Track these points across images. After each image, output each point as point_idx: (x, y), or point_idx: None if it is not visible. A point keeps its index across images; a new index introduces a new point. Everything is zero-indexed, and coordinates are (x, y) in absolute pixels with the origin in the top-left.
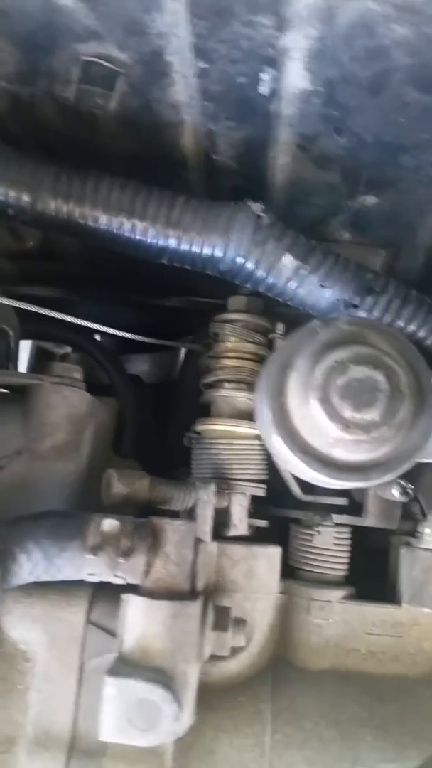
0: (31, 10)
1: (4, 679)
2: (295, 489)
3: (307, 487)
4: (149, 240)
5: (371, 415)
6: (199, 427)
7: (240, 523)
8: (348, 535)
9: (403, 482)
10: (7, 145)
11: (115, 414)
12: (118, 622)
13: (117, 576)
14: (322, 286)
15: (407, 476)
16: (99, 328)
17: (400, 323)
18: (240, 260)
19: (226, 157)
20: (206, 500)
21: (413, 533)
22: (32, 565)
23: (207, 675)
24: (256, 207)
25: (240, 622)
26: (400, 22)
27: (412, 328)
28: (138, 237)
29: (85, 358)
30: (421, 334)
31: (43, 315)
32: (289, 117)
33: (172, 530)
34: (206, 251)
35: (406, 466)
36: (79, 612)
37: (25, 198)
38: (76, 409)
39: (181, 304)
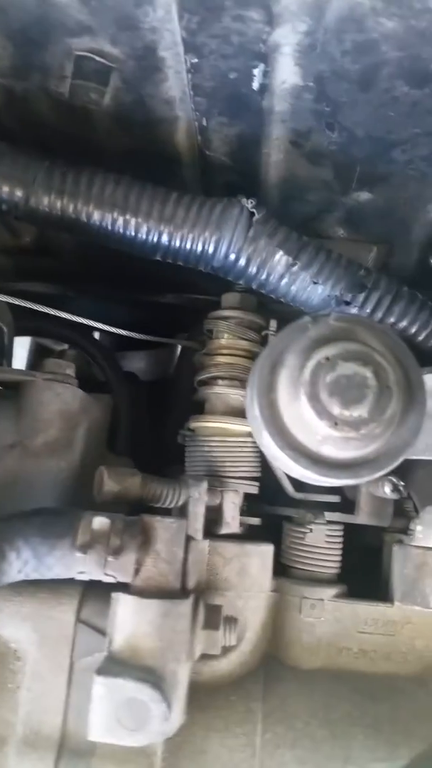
0: (25, 4)
1: None
2: (287, 486)
3: (299, 484)
4: (142, 236)
5: (360, 411)
6: (193, 425)
7: (232, 520)
8: (340, 533)
9: (394, 479)
10: (0, 140)
11: (109, 411)
12: (108, 620)
13: (107, 574)
14: (314, 283)
15: (399, 473)
16: (94, 325)
17: (392, 319)
18: (232, 256)
19: (220, 153)
20: (198, 498)
21: (405, 531)
22: (22, 563)
23: (198, 674)
24: (249, 203)
25: (231, 621)
26: (388, 15)
27: (403, 324)
28: (131, 233)
29: (80, 354)
30: (413, 330)
31: (39, 311)
32: (281, 113)
33: (163, 528)
34: (199, 247)
35: (395, 463)
36: (69, 611)
37: (18, 193)
38: (68, 405)
39: (176, 301)
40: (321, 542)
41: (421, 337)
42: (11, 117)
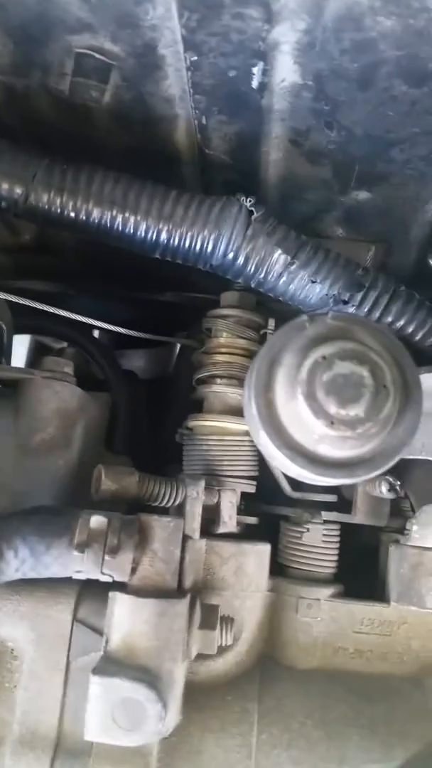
0: (25, 1)
1: None
2: (285, 486)
3: (296, 483)
4: (141, 234)
5: (356, 411)
6: (191, 423)
7: (229, 520)
8: (337, 533)
9: (391, 479)
10: (0, 137)
11: (107, 409)
12: (104, 620)
13: (104, 573)
14: (312, 282)
15: (395, 473)
16: (94, 323)
17: (389, 319)
18: (231, 255)
19: (219, 152)
20: (195, 497)
21: (402, 530)
22: (19, 562)
23: (194, 674)
24: (248, 202)
25: (228, 621)
26: (387, 14)
27: (400, 323)
28: (130, 231)
29: (79, 353)
30: (410, 329)
31: (38, 309)
32: (281, 111)
33: (160, 527)
34: (198, 245)
35: (391, 463)
36: (66, 610)
37: (18, 190)
38: (66, 403)
39: (175, 299)
40: (318, 542)
41: (417, 337)
42: (11, 114)
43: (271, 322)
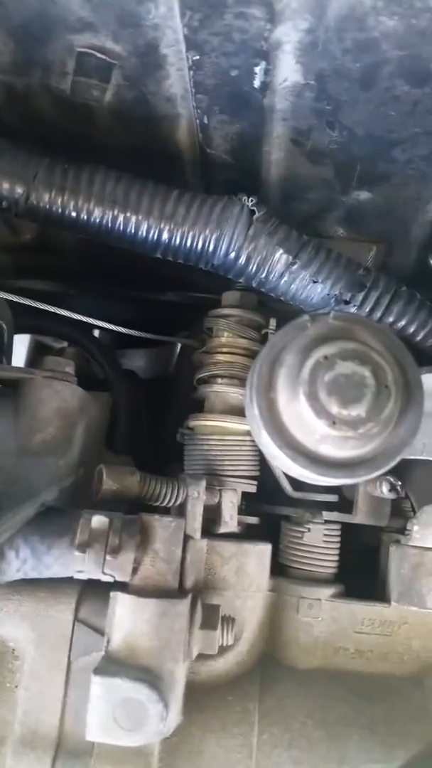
0: (26, 0)
1: None
2: (286, 485)
3: (297, 483)
4: (143, 233)
5: (358, 411)
6: (192, 423)
7: (230, 520)
8: (338, 533)
9: (392, 479)
10: (1, 137)
11: (108, 409)
12: (106, 620)
13: (105, 573)
14: (314, 281)
15: (396, 473)
16: (95, 323)
17: (390, 319)
18: (232, 255)
19: (221, 151)
20: (196, 497)
21: (403, 531)
22: (20, 562)
23: (195, 674)
24: (249, 201)
25: (229, 620)
26: (389, 14)
27: (401, 323)
28: (131, 230)
29: (79, 352)
30: (411, 329)
31: (39, 309)
32: (282, 111)
33: (161, 527)
34: (199, 245)
35: (393, 463)
36: (68, 610)
37: (19, 190)
38: (67, 403)
39: (176, 299)
40: (319, 542)
41: (419, 337)
42: (12, 113)
43: (273, 322)
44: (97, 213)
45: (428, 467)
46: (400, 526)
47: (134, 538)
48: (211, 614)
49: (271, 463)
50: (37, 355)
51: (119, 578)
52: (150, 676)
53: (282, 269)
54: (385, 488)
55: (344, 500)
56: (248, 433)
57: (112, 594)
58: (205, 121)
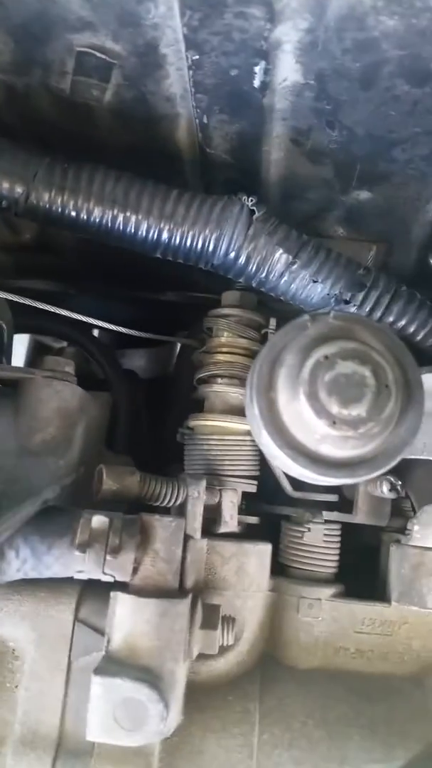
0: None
1: None
2: (286, 485)
3: (297, 483)
4: (143, 233)
5: (358, 410)
6: (192, 423)
7: (231, 519)
8: (338, 533)
9: (392, 479)
10: (1, 136)
11: (108, 409)
12: (106, 620)
13: (105, 573)
14: (314, 281)
15: (397, 473)
16: (94, 323)
17: (390, 318)
18: (232, 254)
19: (220, 151)
20: (196, 496)
21: (403, 530)
22: (20, 562)
23: (195, 674)
24: (249, 201)
25: (229, 620)
26: (389, 13)
27: (401, 323)
28: (131, 230)
29: (79, 352)
30: (411, 329)
31: (39, 308)
32: (282, 110)
33: (162, 527)
34: (199, 245)
35: (393, 463)
36: (68, 610)
37: (19, 189)
38: (67, 403)
39: (176, 299)
40: (319, 541)
41: (419, 337)
42: (12, 113)
43: (273, 322)
44: (96, 212)
45: (428, 467)
46: (401, 526)
47: (134, 538)
48: (211, 614)
49: (271, 463)
50: (36, 354)
51: (119, 578)
52: (150, 676)
53: (282, 269)
54: (385, 488)
55: (344, 500)
56: (248, 433)
57: (112, 594)
58: (205, 120)
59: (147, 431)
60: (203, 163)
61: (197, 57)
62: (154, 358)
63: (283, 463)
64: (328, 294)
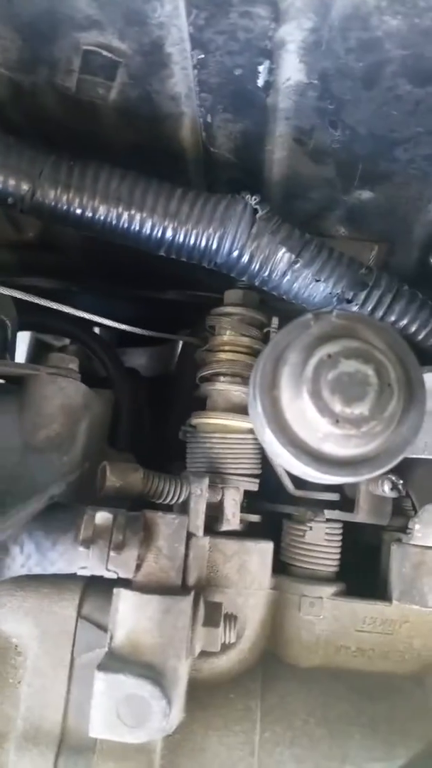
0: None
1: None
2: (288, 484)
3: (299, 482)
4: (147, 231)
5: (361, 409)
6: (194, 421)
7: (233, 517)
8: (339, 531)
9: (393, 478)
10: (6, 134)
11: (111, 406)
12: (109, 616)
13: (109, 570)
14: (316, 280)
15: (398, 472)
16: (97, 320)
17: (392, 318)
18: (235, 253)
19: (224, 150)
20: (199, 494)
21: (404, 529)
22: (24, 557)
23: (197, 671)
24: (253, 200)
25: (231, 618)
26: (393, 13)
27: (403, 322)
28: (136, 228)
29: (81, 349)
30: (412, 329)
31: (42, 306)
32: (285, 110)
33: (165, 524)
34: (202, 243)
35: (395, 461)
36: (71, 606)
37: (24, 187)
38: (71, 400)
39: (178, 297)
40: (320, 540)
41: (420, 336)
42: (18, 111)
43: (275, 321)
44: (101, 210)
45: (429, 466)
46: (402, 525)
47: (138, 535)
48: (213, 612)
49: (273, 462)
50: (37, 352)
51: (123, 575)
52: (153, 673)
53: (285, 268)
54: (386, 487)
55: (346, 499)
56: (250, 431)
57: (115, 590)
58: (209, 119)
59: (149, 429)
60: (207, 161)
61: (202, 56)
62: (155, 357)
63: (286, 462)
64: (330, 293)
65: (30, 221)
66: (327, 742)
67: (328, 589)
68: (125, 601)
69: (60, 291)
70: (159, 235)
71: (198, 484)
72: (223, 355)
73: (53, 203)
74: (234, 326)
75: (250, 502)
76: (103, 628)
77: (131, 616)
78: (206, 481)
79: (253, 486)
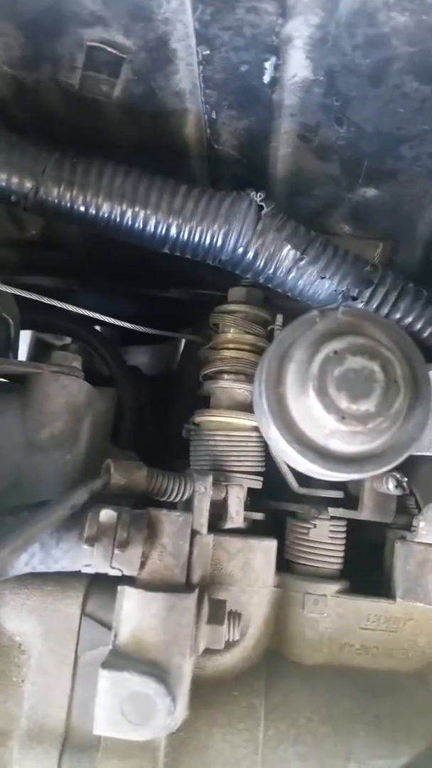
0: None
1: (0, 672)
2: (291, 481)
3: (303, 479)
4: (151, 228)
5: (367, 406)
6: (198, 419)
7: (236, 515)
8: (343, 529)
9: (398, 475)
10: (9, 131)
11: (113, 404)
12: (113, 614)
13: (113, 567)
14: (321, 278)
15: (402, 469)
16: (100, 318)
17: (397, 315)
18: (240, 250)
19: (228, 147)
20: (203, 492)
21: (408, 527)
22: (29, 555)
23: (201, 669)
24: (258, 197)
25: (235, 616)
26: (400, 10)
27: (408, 320)
28: (140, 225)
29: (82, 348)
30: (418, 326)
31: (44, 304)
32: (291, 107)
33: (169, 522)
34: (207, 240)
35: (401, 458)
36: (75, 604)
37: (28, 184)
38: (74, 398)
39: (181, 295)
40: (324, 538)
41: (425, 334)
42: (21, 108)
43: (279, 318)
44: (105, 208)
45: None
46: (406, 523)
47: (142, 533)
48: (217, 609)
49: (277, 459)
50: (38, 352)
51: (127, 572)
52: (158, 671)
53: (290, 265)
54: (391, 484)
55: (350, 496)
56: (254, 429)
57: (119, 588)
58: (214, 116)
59: (151, 427)
60: (211, 158)
61: (208, 52)
62: (157, 355)
63: (292, 459)
64: (335, 290)
65: (32, 219)
66: (331, 740)
67: (332, 587)
68: (129, 598)
69: (62, 289)
70: (163, 232)
71: (202, 481)
72: (227, 353)
73: (57, 201)
74: (238, 324)
75: (253, 499)
76: (107, 625)
77: (135, 613)
78: (210, 478)
79: (257, 484)
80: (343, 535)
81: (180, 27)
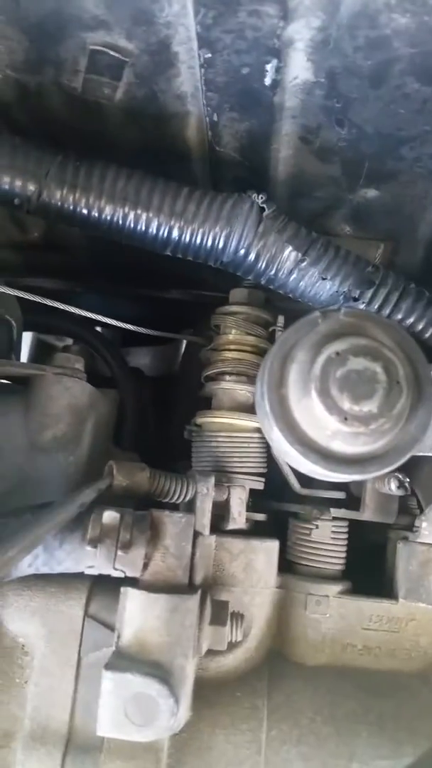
0: None
1: (4, 673)
2: (293, 482)
3: (305, 480)
4: (153, 231)
5: (369, 407)
6: (200, 420)
7: (239, 516)
8: (345, 530)
9: (400, 476)
10: (13, 134)
11: (116, 406)
12: (116, 615)
13: (116, 569)
14: (323, 279)
15: (405, 470)
16: (101, 320)
17: (399, 316)
18: (242, 251)
19: (230, 149)
20: (205, 493)
21: (410, 528)
22: (32, 557)
23: (204, 670)
24: (259, 198)
25: (238, 617)
26: (402, 11)
27: (410, 320)
28: (142, 227)
29: (84, 349)
30: (420, 326)
31: (46, 306)
32: (292, 108)
33: (172, 523)
34: (209, 242)
35: (403, 459)
36: (78, 605)
37: (31, 187)
38: (77, 399)
39: (182, 297)
40: (326, 538)
41: (427, 334)
42: (24, 112)
43: (281, 320)
44: (108, 210)
45: None
46: (408, 523)
47: (145, 534)
48: (220, 610)
49: (279, 460)
50: (39, 353)
51: (130, 573)
52: (161, 672)
53: (291, 266)
54: (393, 485)
55: (352, 497)
56: (256, 430)
57: (122, 589)
58: (215, 118)
59: (153, 429)
60: (212, 161)
61: (209, 55)
62: (159, 357)
63: (294, 460)
64: (336, 291)
65: (35, 221)
66: (334, 741)
67: (335, 588)
68: (132, 600)
69: (64, 291)
70: (165, 234)
71: (204, 482)
72: (228, 354)
73: (60, 203)
74: (239, 325)
75: (256, 500)
76: (110, 627)
77: (138, 614)
78: (212, 479)
79: (259, 485)
80: (345, 536)
81: (182, 30)
